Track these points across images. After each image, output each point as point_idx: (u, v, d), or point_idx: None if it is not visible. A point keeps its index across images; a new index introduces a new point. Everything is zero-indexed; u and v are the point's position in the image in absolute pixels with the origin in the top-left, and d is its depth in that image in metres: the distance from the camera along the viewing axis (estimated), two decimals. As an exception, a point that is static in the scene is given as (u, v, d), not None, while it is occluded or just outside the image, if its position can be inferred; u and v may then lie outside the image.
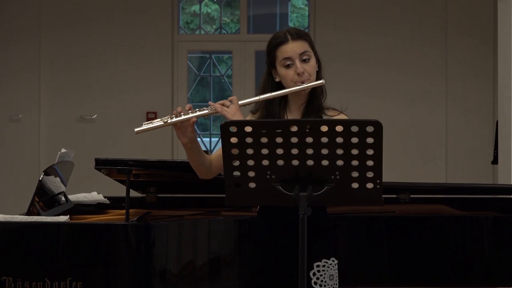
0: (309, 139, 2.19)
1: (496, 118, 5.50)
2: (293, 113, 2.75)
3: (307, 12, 7.58)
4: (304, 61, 2.68)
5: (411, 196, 3.64)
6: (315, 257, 2.60)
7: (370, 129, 2.17)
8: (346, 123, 2.17)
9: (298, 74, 2.67)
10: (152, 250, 3.10)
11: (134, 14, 7.33)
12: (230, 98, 2.71)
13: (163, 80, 7.35)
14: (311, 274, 2.60)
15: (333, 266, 2.65)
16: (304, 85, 2.67)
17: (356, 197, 2.28)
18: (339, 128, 2.17)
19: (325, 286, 2.61)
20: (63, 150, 3.59)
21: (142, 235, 3.09)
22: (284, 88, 2.71)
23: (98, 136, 7.21)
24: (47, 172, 3.37)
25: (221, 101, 2.70)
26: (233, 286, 3.17)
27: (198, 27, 7.73)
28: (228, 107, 2.66)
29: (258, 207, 2.77)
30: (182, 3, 7.64)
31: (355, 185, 2.24)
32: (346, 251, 3.34)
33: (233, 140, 2.24)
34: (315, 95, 2.72)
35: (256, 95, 2.74)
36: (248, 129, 2.21)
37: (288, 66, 2.68)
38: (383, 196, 2.28)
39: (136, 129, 2.67)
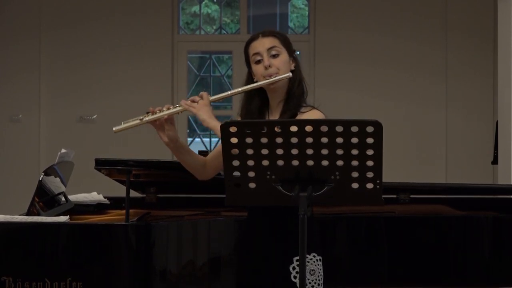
0: (309, 139, 2.19)
1: (496, 118, 5.50)
2: (273, 111, 2.81)
3: (307, 12, 7.58)
4: (273, 56, 2.76)
5: (411, 196, 3.64)
6: (294, 252, 2.61)
7: (370, 129, 2.17)
8: (346, 123, 2.17)
9: (265, 68, 2.74)
10: (152, 250, 3.10)
11: (134, 14, 7.32)
12: (200, 93, 2.81)
13: (163, 80, 7.35)
14: (290, 268, 2.64)
15: (314, 262, 2.68)
16: (271, 79, 2.74)
17: (356, 197, 2.28)
18: (339, 128, 2.18)
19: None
20: (63, 150, 3.59)
21: (142, 235, 3.09)
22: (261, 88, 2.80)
23: (98, 136, 7.20)
24: (47, 172, 3.37)
25: (192, 98, 2.80)
26: (233, 286, 3.17)
27: (198, 28, 7.73)
28: (197, 102, 2.76)
29: (248, 207, 2.79)
30: (182, 4, 7.64)
31: (355, 185, 2.24)
32: (346, 251, 3.34)
33: (233, 140, 2.24)
34: (292, 93, 2.78)
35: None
36: (248, 129, 2.22)
37: (258, 62, 2.78)
38: (383, 196, 2.28)
39: (114, 128, 2.79)
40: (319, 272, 2.68)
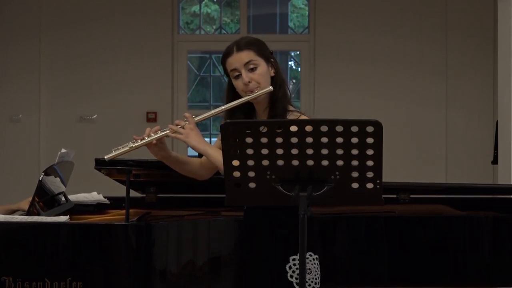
0: (309, 139, 2.19)
1: (496, 118, 5.50)
2: (261, 118, 2.81)
3: (307, 12, 7.58)
4: (251, 70, 2.74)
5: (411, 196, 3.63)
6: (290, 251, 2.63)
7: (370, 129, 2.17)
8: (346, 123, 2.18)
9: (245, 84, 2.74)
10: (152, 250, 3.09)
11: (134, 14, 7.33)
12: (184, 115, 2.82)
13: (163, 80, 7.35)
14: (287, 267, 2.65)
15: (310, 261, 2.68)
16: (253, 95, 2.75)
17: (356, 197, 2.28)
18: (339, 128, 2.18)
19: None
20: (63, 150, 3.58)
21: (142, 235, 3.08)
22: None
23: (98, 136, 7.21)
24: (47, 172, 3.37)
25: (177, 121, 2.82)
26: (233, 286, 3.17)
27: (198, 27, 7.73)
28: (183, 127, 2.78)
29: (245, 207, 2.79)
30: (182, 3, 7.64)
31: (355, 185, 2.24)
32: (346, 251, 3.34)
33: (233, 140, 2.24)
34: (276, 99, 2.78)
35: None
36: (248, 129, 2.22)
37: (237, 77, 2.77)
38: (383, 196, 2.28)
39: (106, 156, 2.90)
40: (315, 271, 2.70)
